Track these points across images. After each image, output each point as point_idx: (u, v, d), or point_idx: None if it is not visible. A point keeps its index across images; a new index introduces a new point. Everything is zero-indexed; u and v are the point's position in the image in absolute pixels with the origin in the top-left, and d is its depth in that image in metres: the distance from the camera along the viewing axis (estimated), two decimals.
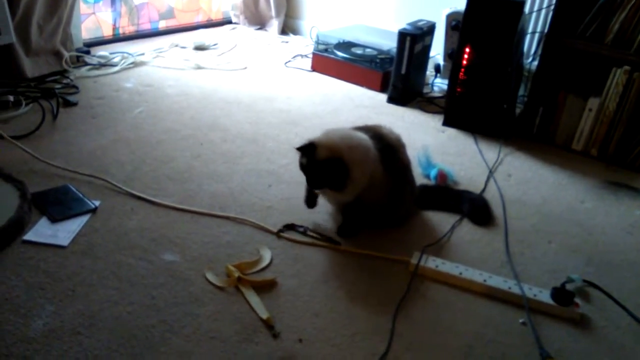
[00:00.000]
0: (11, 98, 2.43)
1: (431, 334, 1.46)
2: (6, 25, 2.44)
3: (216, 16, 4.15)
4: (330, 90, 3.09)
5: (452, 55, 2.86)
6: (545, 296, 1.59)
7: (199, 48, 3.50)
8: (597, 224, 2.05)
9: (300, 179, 2.10)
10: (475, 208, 2.01)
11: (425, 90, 3.18)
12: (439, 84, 3.24)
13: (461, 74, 2.66)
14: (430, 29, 3.02)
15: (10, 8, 2.46)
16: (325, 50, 3.32)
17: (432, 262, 1.68)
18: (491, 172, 2.32)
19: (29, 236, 1.64)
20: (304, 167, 1.71)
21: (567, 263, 1.80)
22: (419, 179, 2.21)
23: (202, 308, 1.46)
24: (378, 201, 1.81)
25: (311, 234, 1.80)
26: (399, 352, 1.39)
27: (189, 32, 3.81)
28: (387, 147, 1.82)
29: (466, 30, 2.59)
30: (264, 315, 1.43)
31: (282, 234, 1.79)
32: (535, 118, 2.67)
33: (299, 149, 1.71)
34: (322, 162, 1.66)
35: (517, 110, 2.88)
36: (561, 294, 1.57)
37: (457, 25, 2.91)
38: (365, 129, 1.86)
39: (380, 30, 3.50)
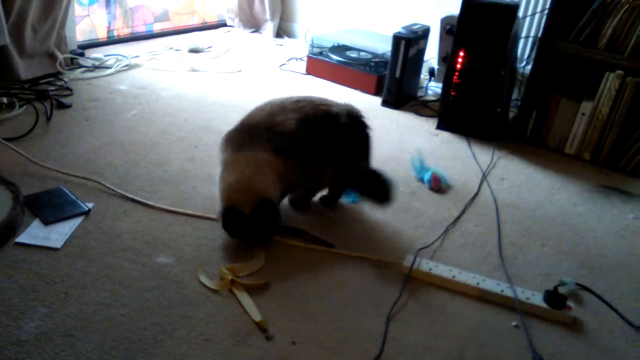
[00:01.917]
0: (5, 100, 2.42)
1: (424, 337, 1.46)
2: (0, 27, 2.43)
3: (211, 19, 4.15)
4: (324, 94, 3.08)
5: (446, 59, 2.87)
6: (538, 299, 1.59)
7: (194, 51, 3.50)
8: (590, 227, 2.06)
9: None
10: (373, 188, 1.90)
11: (420, 93, 3.19)
12: (433, 88, 3.25)
13: (455, 77, 2.67)
14: (424, 32, 3.03)
15: (4, 10, 2.45)
16: (320, 54, 3.33)
17: (426, 265, 1.69)
18: (484, 176, 2.33)
19: (22, 238, 1.63)
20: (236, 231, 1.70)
21: (560, 266, 1.81)
22: (412, 182, 2.22)
23: (195, 311, 1.45)
24: (296, 184, 1.82)
25: (304, 236, 1.80)
26: (391, 355, 1.39)
27: (183, 35, 3.81)
28: (278, 133, 1.75)
29: (460, 34, 2.60)
30: (257, 317, 1.43)
31: (275, 236, 1.78)
32: (528, 122, 2.69)
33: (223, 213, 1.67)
34: (252, 215, 1.65)
35: (511, 114, 2.89)
36: (554, 297, 1.57)
37: (452, 29, 2.92)
38: (256, 115, 1.82)
39: (374, 34, 3.51)
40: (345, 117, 1.86)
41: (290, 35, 4.09)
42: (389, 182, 1.84)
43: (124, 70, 3.05)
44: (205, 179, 2.07)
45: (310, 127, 1.78)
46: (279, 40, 3.97)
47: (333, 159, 1.83)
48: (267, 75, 3.27)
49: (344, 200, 2.02)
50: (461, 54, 2.61)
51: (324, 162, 1.83)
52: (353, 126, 1.88)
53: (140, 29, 3.67)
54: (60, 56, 2.83)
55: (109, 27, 3.47)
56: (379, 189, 1.84)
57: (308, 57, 3.36)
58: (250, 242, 1.71)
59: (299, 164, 1.77)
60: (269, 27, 4.01)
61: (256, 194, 1.66)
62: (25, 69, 2.65)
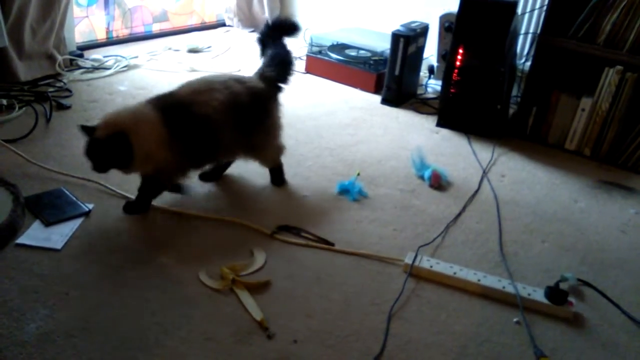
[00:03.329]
0: (4, 101, 2.42)
1: (426, 333, 1.46)
2: None
3: (210, 19, 4.14)
4: (324, 92, 3.09)
5: (445, 56, 2.87)
6: (539, 295, 1.59)
7: (193, 51, 3.50)
8: (591, 223, 2.05)
9: (295, 179, 2.11)
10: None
11: (419, 91, 3.19)
12: (433, 85, 3.24)
13: (455, 75, 2.66)
14: (423, 30, 3.03)
15: (3, 11, 2.45)
16: (319, 52, 3.33)
17: (427, 262, 1.69)
18: (485, 173, 2.33)
19: (23, 239, 1.63)
20: (85, 150, 1.67)
21: (561, 262, 1.81)
22: (413, 179, 2.22)
23: (196, 310, 1.45)
24: (174, 169, 1.80)
25: (305, 235, 1.80)
26: (393, 352, 1.39)
27: (182, 35, 3.80)
28: (175, 106, 1.76)
29: (459, 32, 2.60)
30: (258, 316, 1.43)
31: (276, 235, 1.78)
32: (528, 118, 2.69)
33: (82, 128, 1.68)
34: (103, 140, 1.63)
35: (511, 111, 2.89)
36: (555, 293, 1.57)
37: (450, 26, 2.91)
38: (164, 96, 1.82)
39: (373, 32, 3.50)
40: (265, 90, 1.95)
41: None
42: None
43: (123, 71, 3.05)
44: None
45: (234, 110, 1.83)
46: None
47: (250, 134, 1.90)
48: None
49: (345, 197, 2.03)
50: (460, 51, 2.61)
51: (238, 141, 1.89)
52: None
53: (139, 29, 3.67)
54: (60, 57, 2.83)
55: (107, 28, 3.47)
56: None
57: (307, 56, 3.35)
58: (100, 170, 1.70)
59: (192, 149, 1.78)
60: None
61: (117, 126, 1.64)
62: (24, 71, 2.66)
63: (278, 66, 2.00)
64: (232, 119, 1.81)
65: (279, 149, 2.06)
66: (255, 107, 1.89)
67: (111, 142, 1.63)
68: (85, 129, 1.66)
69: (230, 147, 1.91)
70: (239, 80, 1.90)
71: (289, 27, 2.11)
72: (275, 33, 2.07)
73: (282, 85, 2.01)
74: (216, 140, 1.82)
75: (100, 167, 1.69)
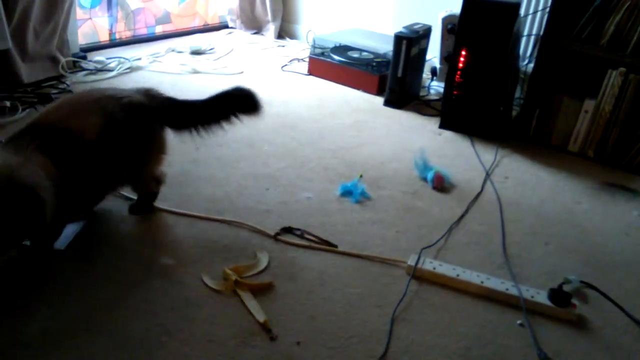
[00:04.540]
0: (8, 104, 2.43)
1: (429, 336, 1.46)
2: (2, 31, 2.44)
3: (212, 21, 4.15)
4: (326, 94, 3.09)
5: (448, 58, 2.87)
6: (542, 297, 1.59)
7: (196, 53, 3.50)
8: (594, 225, 2.05)
9: (298, 181, 2.11)
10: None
11: (422, 93, 3.19)
12: (436, 87, 3.24)
13: (457, 76, 2.66)
14: (426, 32, 3.03)
15: (6, 14, 2.46)
16: (322, 54, 3.33)
17: (430, 264, 1.68)
18: (488, 174, 2.33)
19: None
20: None
21: (564, 264, 1.80)
22: (415, 181, 2.22)
23: (199, 311, 1.45)
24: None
25: (308, 236, 1.80)
26: (396, 354, 1.38)
27: (185, 37, 3.81)
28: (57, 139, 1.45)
29: (462, 34, 2.60)
30: (261, 318, 1.43)
31: (279, 237, 1.78)
32: (531, 120, 2.68)
33: None
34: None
35: (514, 113, 2.88)
36: (558, 295, 1.57)
37: (453, 28, 2.91)
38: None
39: (376, 34, 3.51)
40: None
41: (291, 36, 4.09)
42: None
43: (126, 72, 3.05)
44: (207, 180, 2.07)
45: (114, 131, 1.55)
46: (281, 42, 3.97)
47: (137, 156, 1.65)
48: (269, 76, 3.27)
49: (348, 199, 2.02)
50: (463, 53, 2.61)
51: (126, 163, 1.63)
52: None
53: (142, 31, 3.68)
54: (63, 59, 2.83)
55: (110, 30, 3.48)
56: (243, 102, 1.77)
57: (310, 57, 3.35)
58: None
59: (86, 178, 1.52)
60: (271, 29, 4.01)
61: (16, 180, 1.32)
62: (27, 73, 2.66)
63: (178, 102, 1.77)
64: (112, 141, 1.55)
65: (159, 177, 1.85)
66: (131, 125, 1.61)
67: (16, 202, 1.28)
68: None
69: (117, 175, 1.65)
70: (113, 97, 1.62)
71: (244, 104, 1.79)
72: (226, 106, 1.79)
73: (166, 115, 1.74)
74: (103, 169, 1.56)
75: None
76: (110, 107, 1.56)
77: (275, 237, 1.78)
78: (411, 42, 2.85)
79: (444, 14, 3.05)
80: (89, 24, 3.35)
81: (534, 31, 3.04)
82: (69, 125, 1.48)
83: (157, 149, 1.75)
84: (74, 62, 2.98)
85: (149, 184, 1.81)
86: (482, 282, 1.62)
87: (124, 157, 1.60)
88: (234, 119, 1.78)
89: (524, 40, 3.03)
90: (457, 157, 2.47)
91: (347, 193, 2.06)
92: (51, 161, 1.40)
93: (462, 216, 2.01)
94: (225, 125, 1.77)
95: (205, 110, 1.78)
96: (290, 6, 4.09)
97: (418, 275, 1.66)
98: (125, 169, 1.64)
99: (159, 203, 1.88)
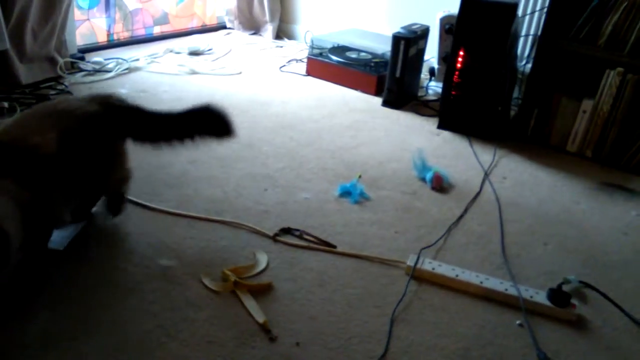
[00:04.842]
0: (6, 105, 2.42)
1: (428, 336, 1.46)
2: (0, 32, 2.44)
3: (210, 21, 4.15)
4: (325, 94, 3.09)
5: (446, 58, 2.87)
6: (541, 298, 1.59)
7: (194, 53, 3.50)
8: (593, 225, 2.05)
9: (296, 182, 2.11)
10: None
11: (420, 93, 3.19)
12: (434, 87, 3.24)
13: (455, 77, 2.66)
14: (424, 32, 3.03)
15: (4, 14, 2.45)
16: (320, 55, 3.33)
17: (429, 265, 1.68)
18: (486, 175, 2.33)
19: None
20: None
21: (563, 264, 1.81)
22: (414, 182, 2.22)
23: (198, 313, 1.45)
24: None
25: (307, 237, 1.80)
26: (396, 354, 1.39)
27: (183, 38, 3.81)
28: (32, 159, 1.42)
29: (460, 34, 2.60)
30: (261, 319, 1.43)
31: (278, 237, 1.78)
32: (529, 120, 2.68)
33: None
34: None
35: (512, 113, 2.89)
36: (558, 295, 1.57)
37: (451, 28, 2.92)
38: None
39: (374, 34, 3.51)
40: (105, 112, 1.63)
41: (290, 37, 4.09)
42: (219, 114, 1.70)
43: (124, 73, 3.05)
44: (206, 181, 2.07)
45: (70, 143, 1.51)
46: (279, 42, 3.97)
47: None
48: (267, 76, 3.27)
49: (347, 199, 2.02)
50: (461, 53, 2.61)
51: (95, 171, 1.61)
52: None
53: (140, 32, 3.67)
54: (61, 60, 2.83)
55: (108, 31, 3.48)
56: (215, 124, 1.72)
57: (308, 58, 3.36)
58: None
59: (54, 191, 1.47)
60: (269, 29, 4.01)
61: None
62: (25, 74, 2.66)
63: (141, 113, 1.72)
64: (70, 153, 1.51)
65: (123, 178, 1.79)
66: (85, 136, 1.56)
67: None
68: None
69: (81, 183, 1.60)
70: (66, 109, 1.58)
71: (214, 126, 1.76)
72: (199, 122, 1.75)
73: (124, 125, 1.70)
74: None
75: None
76: (64, 121, 1.53)
77: (274, 238, 1.78)
78: (409, 42, 2.85)
79: (441, 14, 3.05)
80: (86, 25, 3.35)
81: (532, 31, 3.05)
82: (26, 142, 1.43)
83: (116, 157, 1.72)
84: (72, 63, 2.98)
85: (113, 186, 1.77)
86: (481, 283, 1.62)
87: (84, 167, 1.57)
88: (201, 139, 1.73)
89: (521, 40, 3.03)
90: (456, 158, 2.48)
91: (345, 193, 2.06)
92: (13, 180, 1.36)
93: (461, 216, 2.01)
94: (189, 143, 1.73)
95: (171, 125, 1.74)
96: (288, 7, 4.09)
97: (417, 276, 1.66)
98: (88, 178, 1.61)
99: (158, 204, 1.88)
